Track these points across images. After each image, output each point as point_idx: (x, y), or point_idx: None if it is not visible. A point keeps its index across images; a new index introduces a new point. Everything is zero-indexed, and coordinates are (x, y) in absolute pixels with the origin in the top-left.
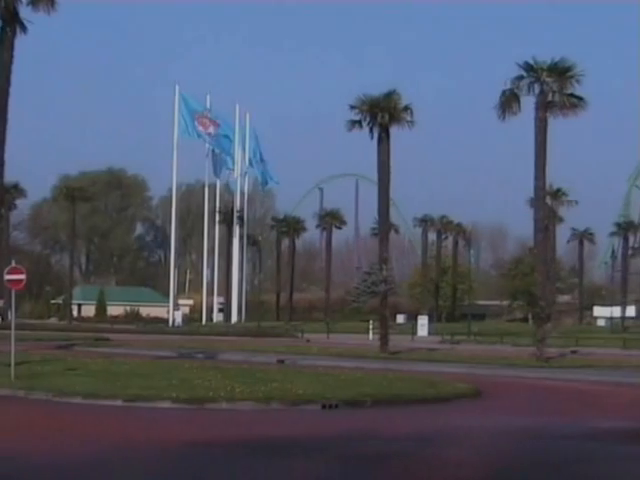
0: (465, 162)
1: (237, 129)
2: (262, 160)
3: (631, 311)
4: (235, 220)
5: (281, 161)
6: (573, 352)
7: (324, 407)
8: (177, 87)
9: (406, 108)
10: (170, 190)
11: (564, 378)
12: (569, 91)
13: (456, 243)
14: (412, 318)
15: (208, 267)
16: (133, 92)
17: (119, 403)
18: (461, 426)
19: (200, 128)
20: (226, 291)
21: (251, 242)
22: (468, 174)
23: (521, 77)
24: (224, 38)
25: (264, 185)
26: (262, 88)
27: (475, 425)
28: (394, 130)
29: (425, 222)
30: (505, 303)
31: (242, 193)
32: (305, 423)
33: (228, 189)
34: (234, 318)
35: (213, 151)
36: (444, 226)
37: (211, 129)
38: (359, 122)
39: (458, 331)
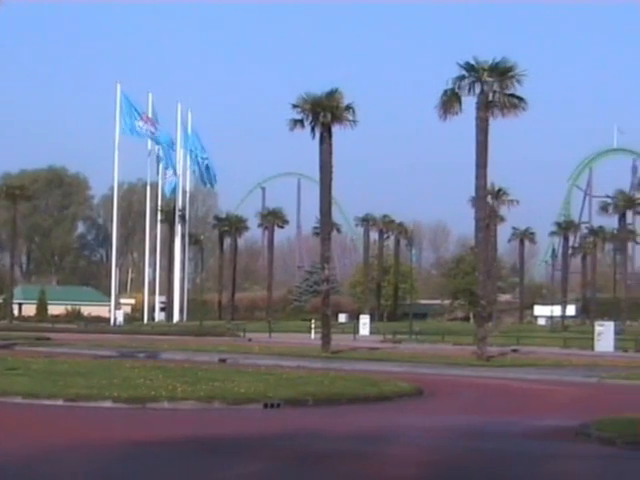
0: (407, 162)
1: (179, 128)
2: (204, 159)
3: (571, 310)
4: (177, 219)
5: (224, 160)
6: (514, 351)
7: (266, 406)
8: (118, 85)
9: (348, 107)
10: (111, 188)
11: (505, 377)
12: (510, 91)
13: (398, 242)
14: (354, 317)
15: (150, 266)
16: (74, 90)
17: (60, 403)
18: (403, 425)
19: (142, 126)
20: (168, 290)
21: (193, 241)
22: (410, 173)
23: (462, 77)
24: (166, 37)
25: (206, 184)
26: (205, 87)
27: (417, 424)
28: (336, 129)
29: (367, 221)
30: (447, 302)
31: (184, 192)
32: (247, 422)
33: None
34: (176, 317)
35: (157, 150)
36: (386, 225)
37: (152, 128)
38: (301, 121)
39: (400, 330)
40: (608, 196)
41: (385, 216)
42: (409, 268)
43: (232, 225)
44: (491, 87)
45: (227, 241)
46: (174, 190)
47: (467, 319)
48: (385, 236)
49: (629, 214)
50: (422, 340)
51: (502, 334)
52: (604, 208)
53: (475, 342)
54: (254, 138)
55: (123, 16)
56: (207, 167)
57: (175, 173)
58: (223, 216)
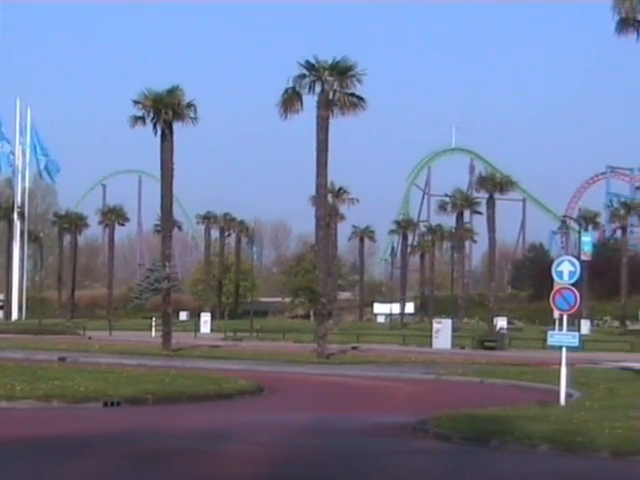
0: (248, 160)
1: (17, 124)
2: (45, 155)
3: (410, 308)
4: (16, 216)
5: (64, 157)
6: (354, 348)
7: (106, 405)
8: None
9: (189, 105)
10: None
11: (345, 374)
12: (350, 90)
13: (239, 240)
14: (195, 315)
15: None
16: None
17: None
18: (243, 422)
19: None
20: (6, 288)
21: (32, 238)
22: (251, 172)
23: (303, 76)
24: (8, 31)
25: (47, 179)
26: (45, 83)
27: (256, 421)
28: (178, 127)
29: (208, 219)
30: (287, 300)
31: (23, 188)
32: (86, 421)
33: (9, 184)
34: (14, 315)
35: None
36: (227, 223)
37: None
38: (142, 118)
39: (241, 328)
40: (446, 195)
41: (226, 214)
42: (250, 266)
43: (72, 222)
44: (331, 86)
45: (67, 238)
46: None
47: (308, 317)
48: (226, 234)
49: (467, 213)
50: (263, 338)
51: (342, 332)
52: (442, 207)
53: (315, 340)
54: (95, 135)
55: None
56: (47, 163)
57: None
58: (63, 213)
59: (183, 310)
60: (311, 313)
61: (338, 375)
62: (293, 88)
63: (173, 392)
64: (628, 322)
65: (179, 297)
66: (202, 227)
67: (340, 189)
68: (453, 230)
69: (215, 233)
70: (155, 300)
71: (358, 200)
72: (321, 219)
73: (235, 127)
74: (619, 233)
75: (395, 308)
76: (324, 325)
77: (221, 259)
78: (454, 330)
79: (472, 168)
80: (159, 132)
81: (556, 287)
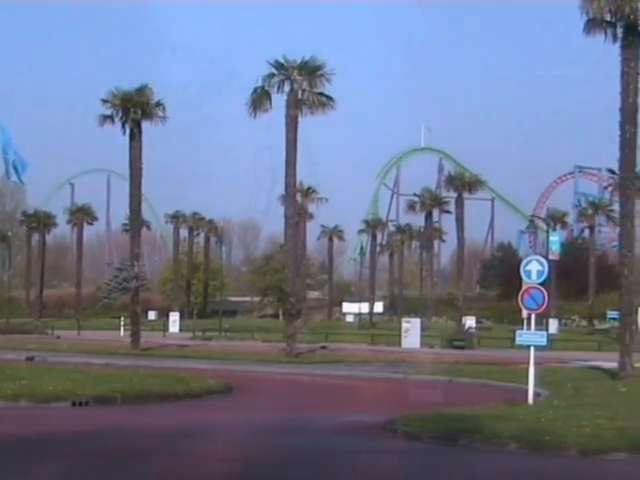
0: (216, 158)
1: None
2: (11, 153)
3: (379, 307)
4: None
5: (32, 155)
6: (323, 348)
7: (74, 404)
8: None
9: (158, 104)
10: None
11: (314, 373)
12: (319, 90)
13: (208, 239)
14: (164, 314)
15: None
16: None
17: None
18: (211, 422)
19: None
20: None
21: (0, 237)
22: (219, 170)
23: (272, 75)
24: None
25: (16, 179)
26: (13, 80)
27: (225, 421)
28: (146, 126)
29: (177, 218)
30: (256, 299)
31: None
32: (54, 420)
33: None
34: None
35: None
36: (196, 222)
37: None
38: (111, 117)
39: (209, 327)
40: (415, 194)
41: (195, 213)
42: (219, 265)
43: (40, 221)
44: (300, 85)
45: (35, 237)
46: None
47: (276, 316)
48: (195, 233)
49: (435, 212)
50: (232, 337)
51: (311, 331)
52: (411, 206)
53: (284, 339)
54: (64, 133)
55: None
56: (15, 161)
57: None
58: (31, 212)
59: (152, 309)
60: (280, 312)
61: (307, 374)
62: (262, 87)
63: (142, 391)
64: (596, 321)
65: (148, 296)
66: (171, 226)
67: (309, 188)
68: (422, 229)
69: (184, 232)
70: (124, 299)
71: (327, 199)
72: (290, 218)
73: (203, 125)
74: (587, 233)
75: (364, 307)
76: (293, 324)
77: (190, 258)
78: (423, 329)
79: (441, 167)
80: (128, 131)
81: (524, 286)
